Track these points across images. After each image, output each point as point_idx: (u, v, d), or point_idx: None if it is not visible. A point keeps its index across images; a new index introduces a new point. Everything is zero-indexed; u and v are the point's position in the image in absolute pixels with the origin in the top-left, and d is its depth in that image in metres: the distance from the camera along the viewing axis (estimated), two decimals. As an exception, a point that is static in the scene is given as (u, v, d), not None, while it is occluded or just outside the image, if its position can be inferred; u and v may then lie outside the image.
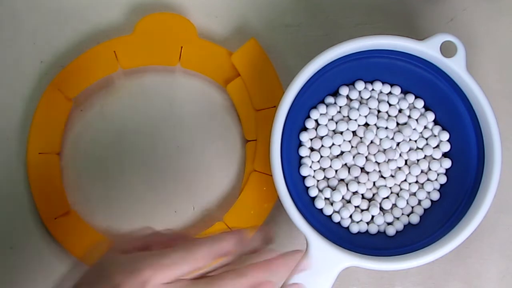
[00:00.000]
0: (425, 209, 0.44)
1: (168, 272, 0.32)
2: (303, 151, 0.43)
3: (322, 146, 0.44)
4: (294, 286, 0.38)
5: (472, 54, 0.44)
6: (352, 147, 0.44)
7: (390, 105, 0.44)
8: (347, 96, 0.45)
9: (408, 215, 0.43)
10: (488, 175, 0.41)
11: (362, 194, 0.43)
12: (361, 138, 0.44)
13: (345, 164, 0.44)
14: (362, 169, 0.43)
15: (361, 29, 0.49)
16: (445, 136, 0.44)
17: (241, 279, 0.33)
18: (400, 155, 0.44)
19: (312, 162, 0.43)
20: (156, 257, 0.32)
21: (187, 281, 0.32)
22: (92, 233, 0.44)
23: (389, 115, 0.44)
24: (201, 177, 0.47)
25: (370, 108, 0.44)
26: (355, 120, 0.44)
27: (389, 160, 0.43)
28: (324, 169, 0.43)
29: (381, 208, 0.43)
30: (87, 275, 0.33)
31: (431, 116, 0.44)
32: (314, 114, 0.44)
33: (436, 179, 0.44)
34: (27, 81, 0.47)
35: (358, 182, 0.43)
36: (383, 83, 0.45)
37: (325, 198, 0.43)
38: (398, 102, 0.45)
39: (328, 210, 0.43)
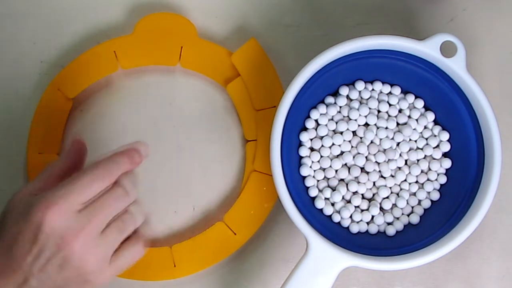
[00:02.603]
0: (425, 209, 0.44)
1: (61, 206, 0.33)
2: (303, 151, 0.43)
3: (322, 146, 0.44)
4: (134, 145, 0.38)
5: (472, 54, 0.44)
6: (352, 147, 0.44)
7: (390, 105, 0.44)
8: (347, 96, 0.45)
9: (408, 215, 0.43)
10: (488, 175, 0.41)
11: (362, 194, 0.43)
12: (361, 138, 0.44)
13: (345, 164, 0.44)
14: (362, 169, 0.43)
15: (361, 29, 0.49)
16: (445, 136, 0.44)
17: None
18: (400, 155, 0.44)
19: (312, 162, 0.43)
20: (46, 195, 0.33)
21: (76, 212, 0.33)
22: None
23: (389, 115, 0.44)
24: (201, 177, 0.47)
25: (370, 108, 0.44)
26: (355, 120, 0.44)
27: (389, 160, 0.43)
28: (324, 169, 0.43)
29: (381, 208, 0.43)
30: None
31: (431, 116, 0.44)
32: (314, 114, 0.44)
33: (436, 179, 0.44)
34: (27, 81, 0.47)
35: (358, 182, 0.43)
36: (383, 83, 0.45)
37: (325, 198, 0.43)
38: (398, 102, 0.45)
39: (328, 210, 0.43)
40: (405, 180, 0.44)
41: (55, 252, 0.33)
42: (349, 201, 0.43)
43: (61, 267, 0.33)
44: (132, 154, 0.37)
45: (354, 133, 0.44)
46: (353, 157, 0.43)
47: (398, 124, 0.44)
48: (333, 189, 0.43)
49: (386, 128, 0.44)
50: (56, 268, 0.33)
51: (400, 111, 0.45)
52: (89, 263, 0.34)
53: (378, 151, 0.43)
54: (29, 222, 0.33)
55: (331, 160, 0.43)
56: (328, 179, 0.43)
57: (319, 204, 0.43)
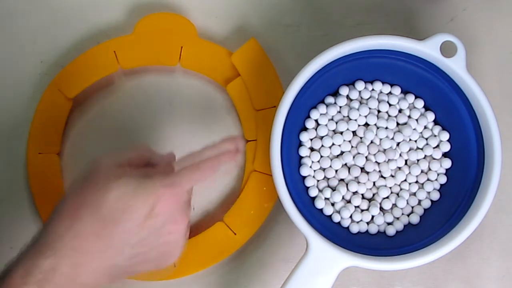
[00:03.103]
0: (425, 209, 0.44)
1: (183, 190, 0.35)
2: (303, 151, 0.43)
3: (322, 146, 0.43)
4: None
5: (472, 54, 0.44)
6: (352, 147, 0.44)
7: (390, 105, 0.44)
8: (347, 96, 0.45)
9: (408, 215, 0.43)
10: (488, 175, 0.41)
11: (362, 194, 0.43)
12: (361, 138, 0.44)
13: (345, 164, 0.44)
14: (362, 169, 0.43)
15: (361, 29, 0.49)
16: (445, 136, 0.44)
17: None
18: (400, 155, 0.44)
19: (312, 162, 0.43)
20: (170, 175, 0.35)
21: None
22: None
23: (389, 115, 0.44)
24: (201, 177, 0.47)
25: (370, 108, 0.44)
26: (355, 120, 0.44)
27: (389, 160, 0.43)
28: (324, 169, 0.43)
29: (381, 208, 0.43)
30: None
31: (431, 116, 0.44)
32: (314, 114, 0.44)
33: (436, 179, 0.44)
34: (27, 81, 0.47)
35: (358, 182, 0.43)
36: (383, 83, 0.45)
37: (325, 198, 0.43)
38: (398, 102, 0.45)
39: (328, 210, 0.43)
40: (405, 180, 0.44)
41: (161, 230, 0.35)
42: (349, 201, 0.43)
43: (157, 246, 0.35)
44: (234, 152, 0.38)
45: (354, 133, 0.44)
46: (353, 157, 0.43)
47: (398, 124, 0.44)
48: (333, 189, 0.43)
49: (386, 128, 0.44)
50: (153, 244, 0.35)
51: (400, 111, 0.45)
52: (178, 249, 0.36)
53: (378, 151, 0.43)
54: (147, 198, 0.34)
55: (331, 160, 0.43)
56: (328, 179, 0.43)
57: (319, 204, 0.43)
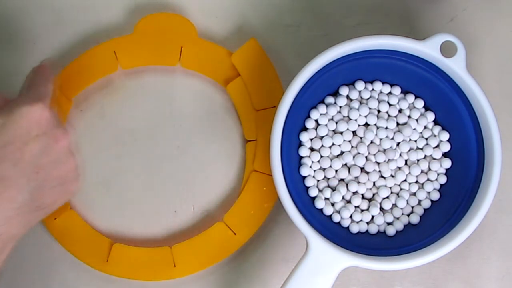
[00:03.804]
0: (425, 209, 0.44)
1: (47, 102, 0.36)
2: (303, 151, 0.43)
3: (322, 146, 0.44)
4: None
5: (472, 54, 0.44)
6: (352, 147, 0.44)
7: (390, 105, 0.44)
8: (347, 96, 0.45)
9: (408, 215, 0.43)
10: (488, 175, 0.41)
11: (362, 194, 0.43)
12: (361, 138, 0.44)
13: (345, 164, 0.44)
14: (362, 169, 0.43)
15: (361, 29, 0.49)
16: (445, 136, 0.44)
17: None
18: (400, 155, 0.44)
19: (312, 162, 0.43)
20: (28, 95, 0.36)
21: None
22: (92, 233, 0.44)
23: (389, 115, 0.44)
24: (201, 177, 0.47)
25: (370, 108, 0.44)
26: (355, 120, 0.44)
27: (389, 160, 0.43)
28: (324, 169, 0.43)
29: (381, 208, 0.43)
30: None
31: (431, 116, 0.44)
32: (314, 114, 0.44)
33: (436, 179, 0.44)
34: (27, 81, 0.47)
35: (358, 182, 0.43)
36: (383, 83, 0.45)
37: (325, 198, 0.43)
38: (398, 102, 0.45)
39: (328, 210, 0.43)
40: (405, 180, 0.44)
41: (47, 152, 0.34)
42: (349, 201, 0.43)
43: (52, 169, 0.35)
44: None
45: (354, 133, 0.44)
46: (353, 157, 0.43)
47: (398, 124, 0.44)
48: (333, 189, 0.43)
49: (386, 128, 0.44)
50: (47, 169, 0.34)
51: (400, 111, 0.45)
52: (73, 167, 0.36)
53: (378, 151, 0.43)
54: (20, 124, 0.33)
55: (331, 160, 0.43)
56: (328, 179, 0.43)
57: (319, 204, 0.43)
